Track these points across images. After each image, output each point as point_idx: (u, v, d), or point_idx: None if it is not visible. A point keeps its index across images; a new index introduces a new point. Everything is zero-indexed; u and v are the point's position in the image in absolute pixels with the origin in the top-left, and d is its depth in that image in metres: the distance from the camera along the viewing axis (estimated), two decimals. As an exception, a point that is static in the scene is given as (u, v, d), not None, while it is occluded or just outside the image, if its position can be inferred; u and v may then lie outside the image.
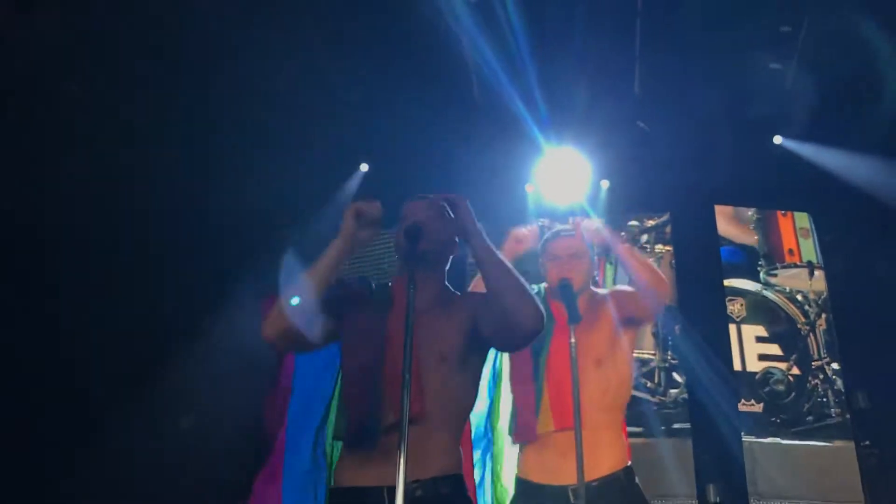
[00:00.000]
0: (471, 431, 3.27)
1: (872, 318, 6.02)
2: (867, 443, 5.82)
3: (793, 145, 6.12)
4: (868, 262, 6.14)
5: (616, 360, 3.01)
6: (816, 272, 6.77)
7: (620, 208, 6.73)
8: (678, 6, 5.35)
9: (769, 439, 6.33)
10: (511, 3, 5.10)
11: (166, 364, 5.65)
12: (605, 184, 6.43)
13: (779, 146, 6.17)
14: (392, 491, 1.93)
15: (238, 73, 5.36)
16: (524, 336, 2.27)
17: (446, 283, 2.58)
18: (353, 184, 6.40)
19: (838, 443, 6.11)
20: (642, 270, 2.97)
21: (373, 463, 2.22)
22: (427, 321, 2.33)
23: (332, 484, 2.38)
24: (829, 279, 6.39)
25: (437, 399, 2.29)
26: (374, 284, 2.64)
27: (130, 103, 5.27)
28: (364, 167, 6.47)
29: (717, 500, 5.80)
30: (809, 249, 7.03)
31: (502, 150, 6.11)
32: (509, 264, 2.31)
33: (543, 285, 3.24)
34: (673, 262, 7.14)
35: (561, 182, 6.28)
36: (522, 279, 2.28)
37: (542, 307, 2.24)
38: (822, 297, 6.68)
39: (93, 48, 4.89)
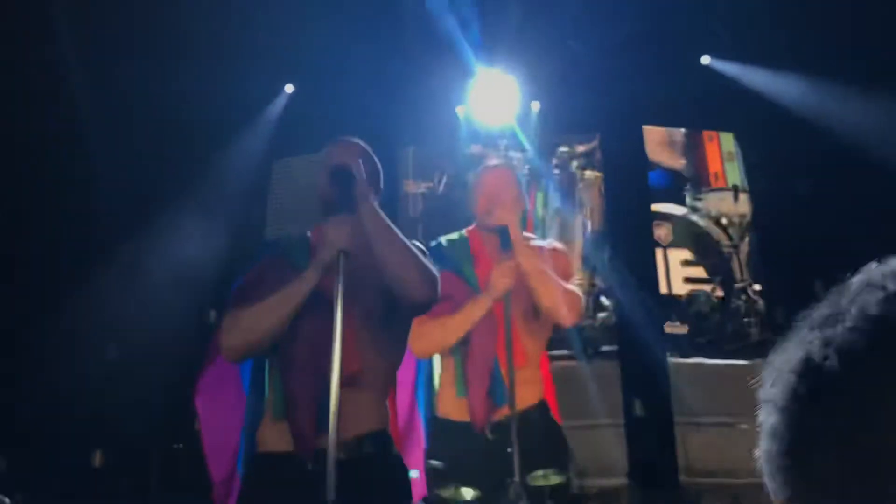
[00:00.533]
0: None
1: (794, 237, 6.17)
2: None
3: (720, 65, 6.15)
4: (791, 182, 6.26)
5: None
6: (741, 195, 6.89)
7: (550, 130, 6.70)
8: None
9: (693, 359, 6.49)
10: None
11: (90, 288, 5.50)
12: (535, 105, 6.37)
13: (707, 66, 6.18)
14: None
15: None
16: (415, 306, 2.23)
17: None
18: (279, 105, 6.19)
19: (759, 361, 6.28)
20: (560, 301, 2.86)
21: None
22: (351, 276, 2.17)
23: (256, 448, 2.27)
24: (754, 198, 6.51)
25: (367, 357, 2.22)
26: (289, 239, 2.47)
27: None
28: (289, 88, 6.25)
29: (643, 414, 5.94)
30: (735, 173, 7.14)
31: (434, 72, 5.97)
32: (397, 232, 2.20)
33: (465, 231, 3.14)
34: (601, 187, 7.18)
35: (492, 104, 6.22)
36: (412, 248, 2.20)
37: (433, 276, 2.20)
38: (746, 220, 6.80)
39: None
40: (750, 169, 6.56)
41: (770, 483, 0.64)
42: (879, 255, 0.64)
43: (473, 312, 2.74)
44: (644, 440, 5.88)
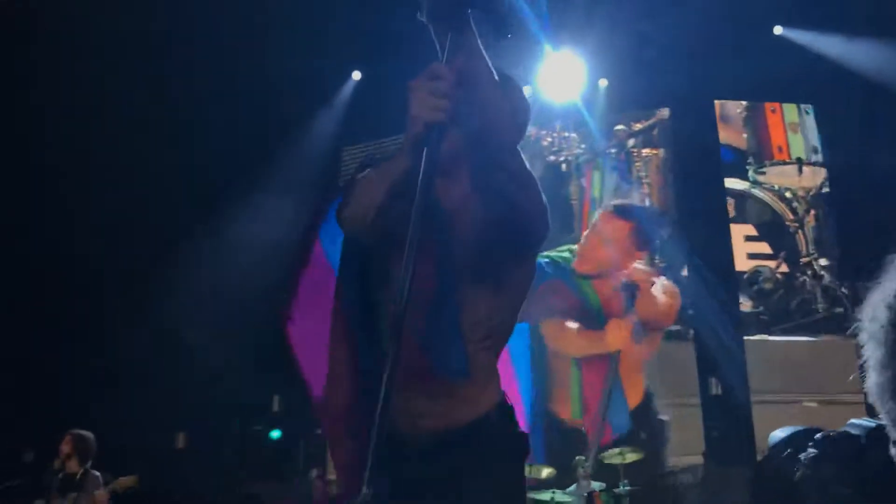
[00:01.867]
0: None
1: (872, 211, 6.06)
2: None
3: (793, 34, 6.03)
4: (868, 154, 6.14)
5: None
6: (805, 168, 6.76)
7: (616, 108, 6.62)
8: None
9: (757, 336, 6.42)
10: None
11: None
12: (603, 83, 6.29)
13: (780, 37, 6.06)
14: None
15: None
16: (530, 216, 1.82)
17: None
18: (346, 92, 6.16)
19: (826, 337, 6.20)
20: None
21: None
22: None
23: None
24: (829, 171, 6.39)
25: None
26: None
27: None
28: (357, 75, 6.22)
29: (720, 392, 5.88)
30: (798, 145, 7.01)
31: (502, 53, 5.91)
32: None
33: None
34: (660, 165, 7.10)
35: (558, 83, 6.16)
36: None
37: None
38: (811, 193, 6.68)
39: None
40: (825, 139, 6.42)
41: (884, 414, 0.68)
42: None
43: None
44: (720, 418, 5.84)
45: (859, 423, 2.28)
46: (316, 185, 6.26)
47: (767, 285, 6.88)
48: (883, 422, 0.76)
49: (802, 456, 2.30)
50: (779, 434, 2.56)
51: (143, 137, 5.55)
